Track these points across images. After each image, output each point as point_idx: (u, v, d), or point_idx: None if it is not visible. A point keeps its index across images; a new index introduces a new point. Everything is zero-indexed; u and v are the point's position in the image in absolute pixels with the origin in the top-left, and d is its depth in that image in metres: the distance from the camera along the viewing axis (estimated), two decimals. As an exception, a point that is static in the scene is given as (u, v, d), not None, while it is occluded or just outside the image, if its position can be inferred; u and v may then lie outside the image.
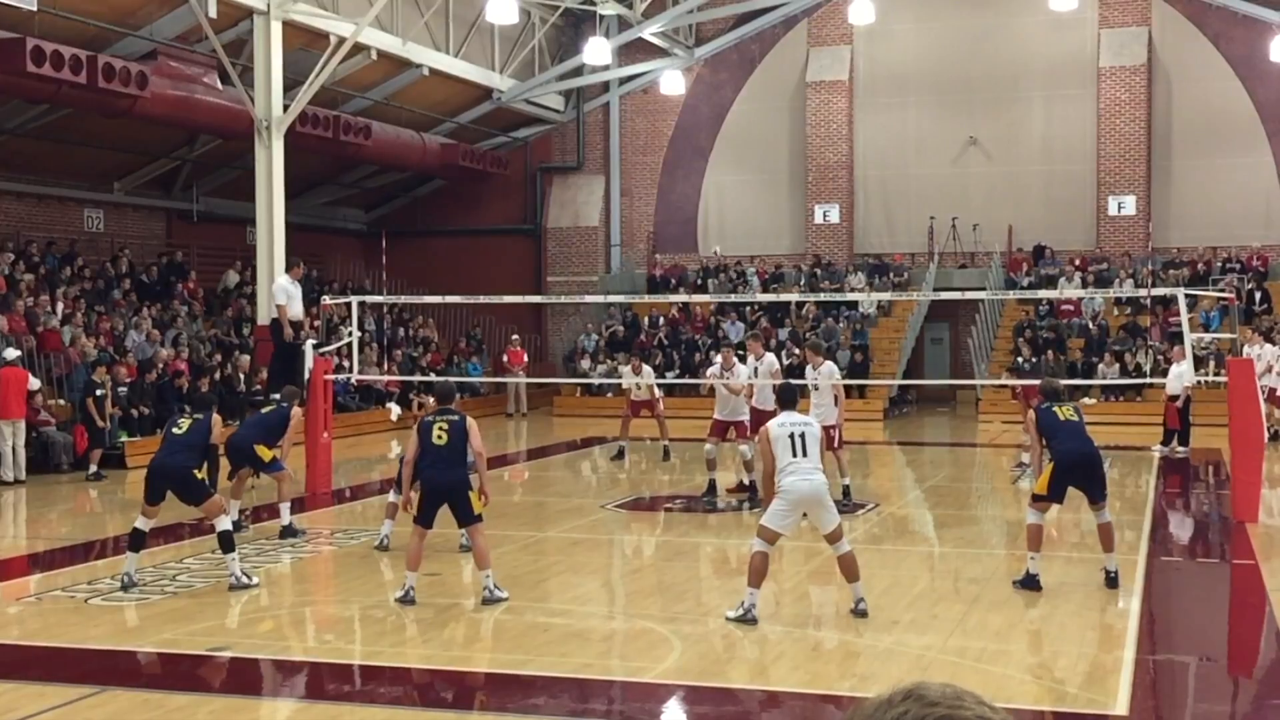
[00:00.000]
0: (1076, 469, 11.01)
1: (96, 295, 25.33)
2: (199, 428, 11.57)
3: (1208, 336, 24.76)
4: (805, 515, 10.18)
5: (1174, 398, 21.05)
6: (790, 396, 10.62)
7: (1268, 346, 23.39)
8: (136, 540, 11.32)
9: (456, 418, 10.70)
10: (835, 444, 15.57)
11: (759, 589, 9.81)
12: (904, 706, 2.08)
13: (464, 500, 10.51)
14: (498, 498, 17.35)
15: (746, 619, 9.77)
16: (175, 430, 11.60)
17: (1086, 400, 27.23)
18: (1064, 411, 11.27)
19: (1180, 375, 20.11)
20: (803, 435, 10.02)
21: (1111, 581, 11.07)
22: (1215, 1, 30.62)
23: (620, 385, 22.14)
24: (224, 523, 11.31)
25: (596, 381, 29.61)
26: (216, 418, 11.76)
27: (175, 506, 16.96)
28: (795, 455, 9.92)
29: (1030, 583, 10.92)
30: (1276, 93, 30.36)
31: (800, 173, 33.42)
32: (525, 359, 30.64)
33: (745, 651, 9.34)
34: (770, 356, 17.44)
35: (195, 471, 11.25)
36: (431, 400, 27.78)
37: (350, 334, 20.58)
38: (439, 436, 10.54)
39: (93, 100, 22.28)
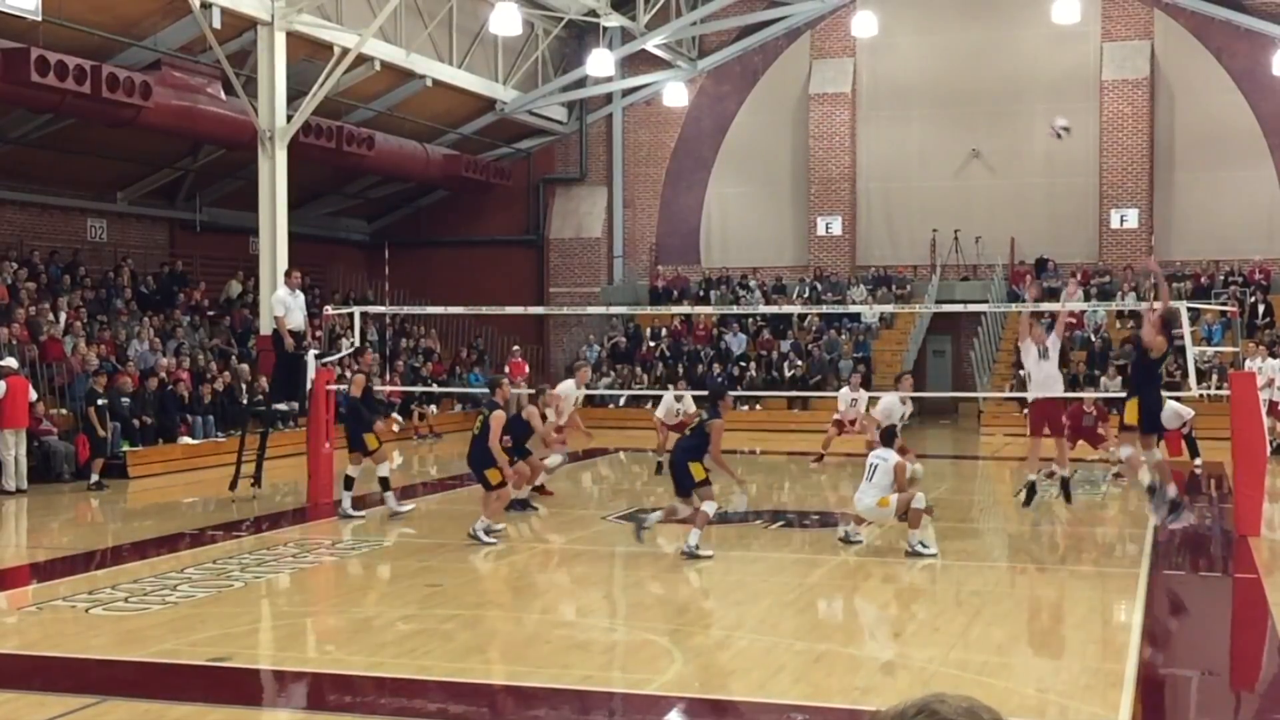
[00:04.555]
0: None
1: (99, 305, 25.35)
2: None
3: (1210, 350, 24.73)
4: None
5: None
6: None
7: (1270, 360, 23.36)
8: None
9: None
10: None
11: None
12: None
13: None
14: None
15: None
16: None
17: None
18: None
19: (1178, 413, 19.82)
20: (875, 465, 13.24)
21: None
22: (1218, 15, 30.67)
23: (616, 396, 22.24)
24: None
25: (599, 393, 29.59)
26: None
27: (176, 516, 17.01)
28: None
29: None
30: (1278, 106, 30.39)
31: (802, 185, 33.44)
32: (527, 370, 30.62)
33: (746, 664, 9.32)
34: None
35: None
36: (434, 409, 27.88)
37: (351, 344, 20.58)
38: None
39: (96, 110, 22.31)
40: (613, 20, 30.33)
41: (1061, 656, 9.60)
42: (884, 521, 13.67)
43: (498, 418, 14.01)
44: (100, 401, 19.74)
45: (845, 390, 21.51)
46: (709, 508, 13.06)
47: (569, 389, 17.83)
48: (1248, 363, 20.54)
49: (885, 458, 13.12)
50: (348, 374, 21.16)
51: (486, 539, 13.82)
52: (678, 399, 20.54)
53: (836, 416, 21.27)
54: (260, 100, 22.50)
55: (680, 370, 30.01)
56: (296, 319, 18.16)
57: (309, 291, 21.47)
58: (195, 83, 24.36)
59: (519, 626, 10.24)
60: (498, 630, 10.16)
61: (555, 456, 17.27)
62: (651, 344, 32.06)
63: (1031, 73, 31.92)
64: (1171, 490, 13.01)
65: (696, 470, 13.15)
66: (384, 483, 16.21)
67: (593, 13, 30.15)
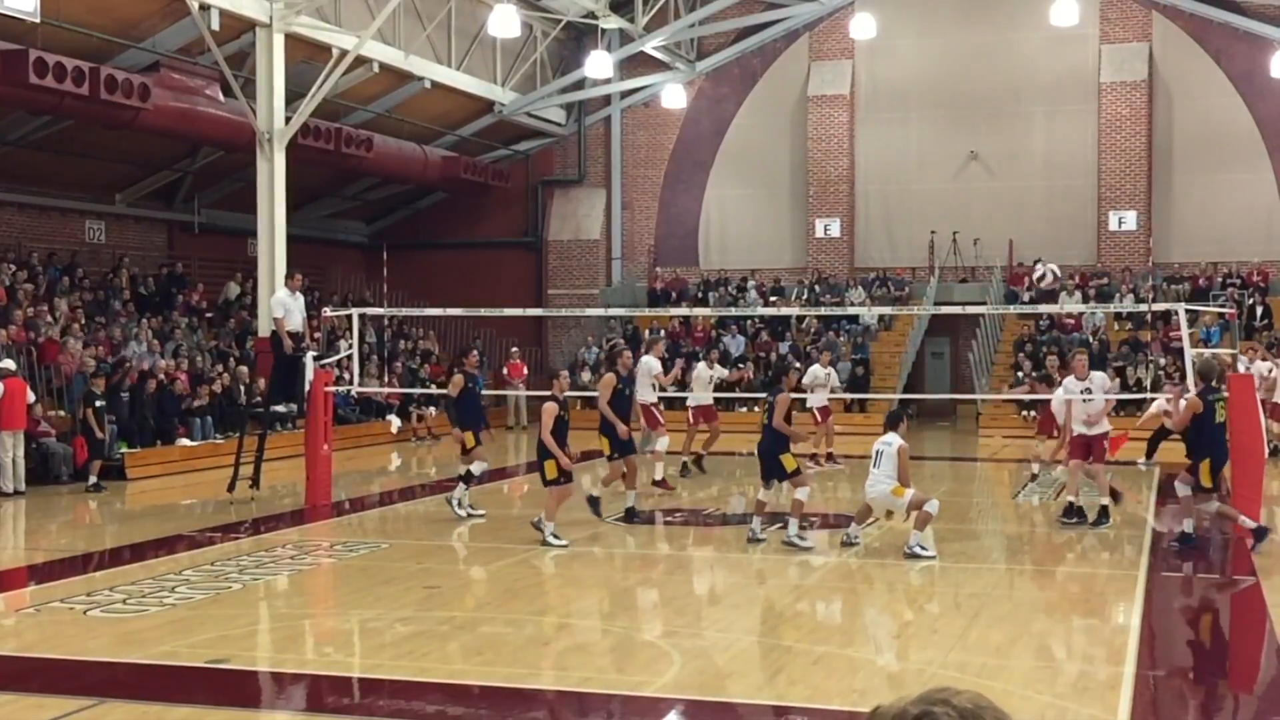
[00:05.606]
0: None
1: (97, 306, 25.35)
2: None
3: (1208, 352, 24.69)
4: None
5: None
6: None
7: (1268, 362, 23.33)
8: None
9: None
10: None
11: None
12: None
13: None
14: (496, 511, 17.36)
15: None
16: None
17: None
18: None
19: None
20: (880, 452, 12.93)
21: None
22: (1216, 18, 30.69)
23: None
24: None
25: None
26: None
27: (174, 518, 17.00)
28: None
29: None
30: (1277, 109, 30.40)
31: (801, 187, 33.45)
32: (525, 372, 30.62)
33: (745, 666, 9.32)
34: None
35: None
36: (432, 411, 27.84)
37: (350, 346, 20.56)
38: None
39: (95, 112, 22.31)
40: (611, 22, 30.34)
41: (1060, 659, 9.60)
42: (895, 509, 13.51)
43: (548, 409, 13.77)
44: (98, 403, 19.73)
45: (816, 366, 21.72)
46: (802, 494, 13.46)
47: (650, 364, 19.33)
48: (1246, 365, 20.48)
49: (890, 442, 12.95)
50: (345, 375, 21.19)
51: (556, 541, 13.78)
52: (710, 367, 21.04)
53: (809, 403, 20.87)
54: (259, 102, 22.52)
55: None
56: (295, 321, 18.16)
57: (308, 293, 21.48)
58: (194, 84, 24.36)
59: (517, 628, 10.24)
60: (496, 632, 10.16)
61: (663, 439, 18.66)
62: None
63: (1030, 75, 31.94)
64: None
65: (789, 462, 13.66)
66: (467, 477, 16.25)
67: (591, 15, 30.16)
